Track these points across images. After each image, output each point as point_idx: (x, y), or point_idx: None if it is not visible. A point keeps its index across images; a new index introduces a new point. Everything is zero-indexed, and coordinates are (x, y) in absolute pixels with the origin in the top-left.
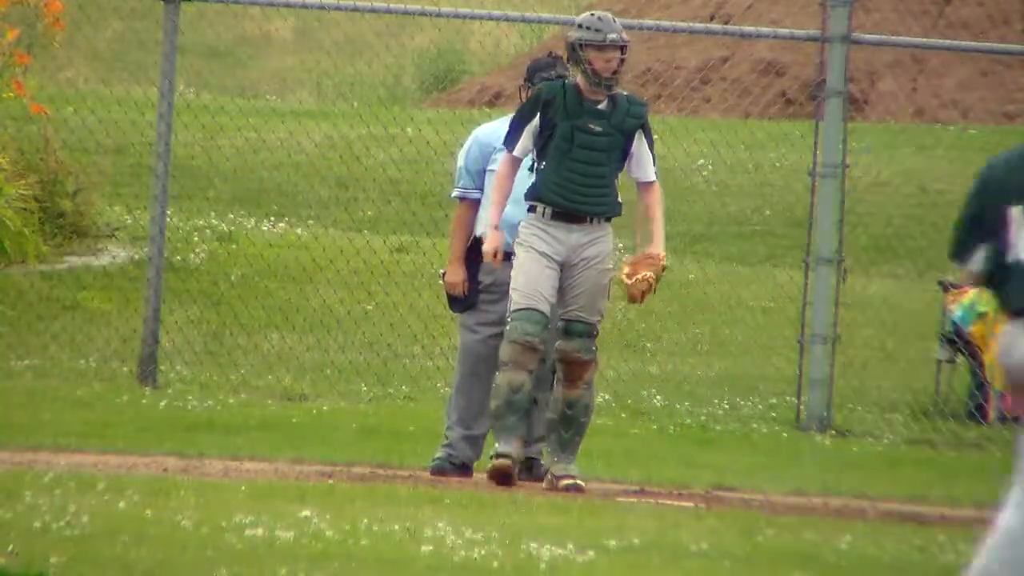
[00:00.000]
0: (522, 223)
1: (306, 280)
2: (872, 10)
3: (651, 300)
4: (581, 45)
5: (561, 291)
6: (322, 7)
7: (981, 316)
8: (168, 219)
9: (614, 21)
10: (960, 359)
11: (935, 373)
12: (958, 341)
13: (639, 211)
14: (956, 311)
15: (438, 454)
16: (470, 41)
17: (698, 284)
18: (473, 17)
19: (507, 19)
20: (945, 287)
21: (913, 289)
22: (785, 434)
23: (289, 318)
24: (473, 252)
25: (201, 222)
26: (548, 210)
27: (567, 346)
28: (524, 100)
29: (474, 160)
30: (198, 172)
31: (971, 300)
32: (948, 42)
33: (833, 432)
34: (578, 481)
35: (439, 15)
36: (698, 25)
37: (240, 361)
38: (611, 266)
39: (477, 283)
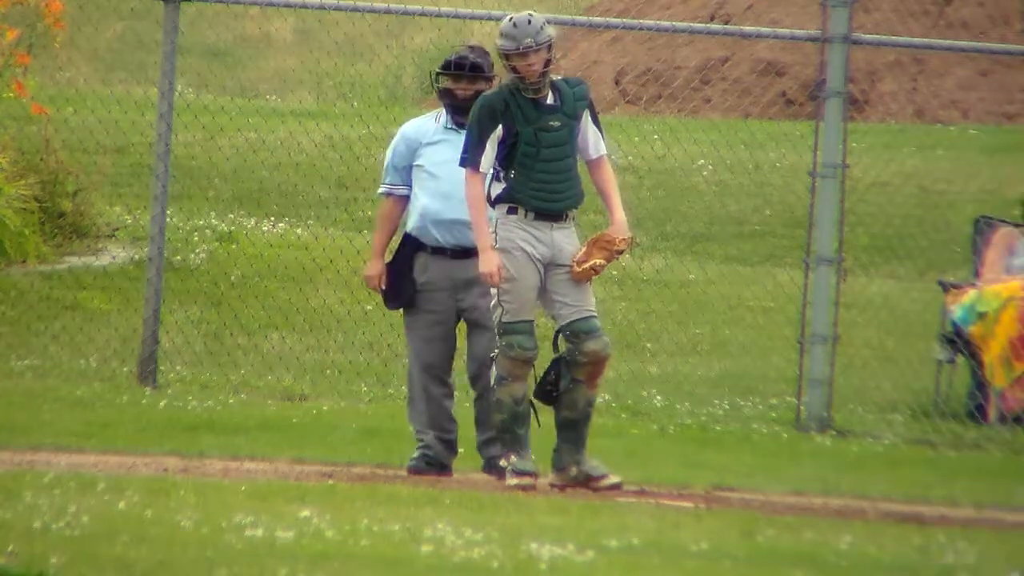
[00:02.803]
0: (500, 223)
1: (306, 280)
2: (872, 10)
3: (651, 300)
4: (504, 55)
5: (549, 294)
6: (322, 7)
7: (981, 316)
8: (168, 219)
9: (529, 23)
10: (960, 359)
11: (935, 373)
12: (958, 341)
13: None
14: (956, 311)
15: (414, 455)
16: (470, 41)
17: (698, 284)
18: (473, 17)
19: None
20: (945, 287)
21: (913, 289)
22: (785, 434)
23: (289, 318)
24: (407, 249)
25: (201, 222)
26: (531, 213)
27: (595, 346)
28: (474, 115)
29: (401, 157)
30: (198, 172)
31: (971, 300)
32: (948, 42)
33: (833, 432)
34: (619, 480)
35: (439, 15)
36: (698, 25)
37: (240, 361)
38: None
39: (413, 283)
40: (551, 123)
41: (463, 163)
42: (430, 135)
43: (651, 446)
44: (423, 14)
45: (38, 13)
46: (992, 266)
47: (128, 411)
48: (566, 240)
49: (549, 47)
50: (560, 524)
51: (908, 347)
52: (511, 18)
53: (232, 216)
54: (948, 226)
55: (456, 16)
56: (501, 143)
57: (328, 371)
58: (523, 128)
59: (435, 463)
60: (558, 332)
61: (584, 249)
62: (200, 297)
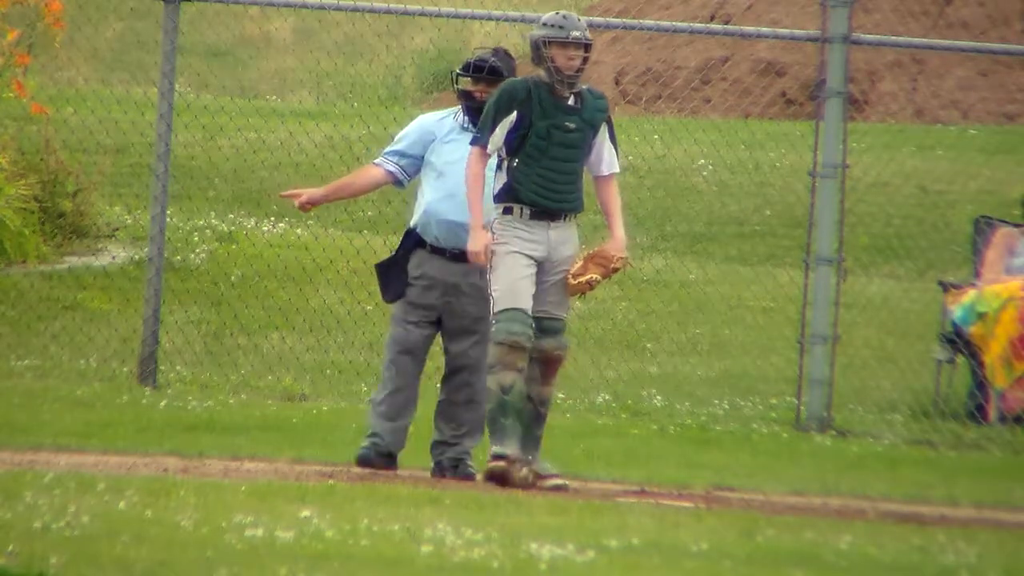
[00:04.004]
0: (497, 223)
1: (306, 280)
2: (872, 10)
3: (651, 300)
4: (545, 43)
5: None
6: (322, 7)
7: (981, 316)
8: (168, 219)
9: (579, 20)
10: (960, 359)
11: (935, 373)
12: (958, 341)
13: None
14: (956, 311)
15: (364, 444)
16: (470, 41)
17: (698, 284)
18: (473, 17)
19: (507, 19)
20: (945, 287)
21: (913, 289)
22: (785, 434)
23: (289, 318)
24: (408, 244)
25: (201, 222)
26: (527, 211)
27: (546, 344)
28: (494, 96)
29: (409, 143)
30: (198, 172)
31: (971, 300)
32: (948, 42)
33: (833, 432)
34: (565, 482)
35: (439, 15)
36: (698, 25)
37: (240, 361)
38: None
39: (405, 275)
40: (567, 123)
41: (473, 142)
42: (445, 132)
43: (651, 446)
44: (423, 14)
45: (38, 13)
46: (992, 266)
47: (128, 411)
48: (563, 240)
49: (588, 47)
50: (560, 524)
51: (908, 347)
52: (558, 12)
53: (232, 216)
54: (948, 226)
55: (456, 16)
56: (512, 131)
57: (328, 371)
58: (538, 121)
59: (384, 453)
60: None
61: (580, 263)
62: (200, 297)
